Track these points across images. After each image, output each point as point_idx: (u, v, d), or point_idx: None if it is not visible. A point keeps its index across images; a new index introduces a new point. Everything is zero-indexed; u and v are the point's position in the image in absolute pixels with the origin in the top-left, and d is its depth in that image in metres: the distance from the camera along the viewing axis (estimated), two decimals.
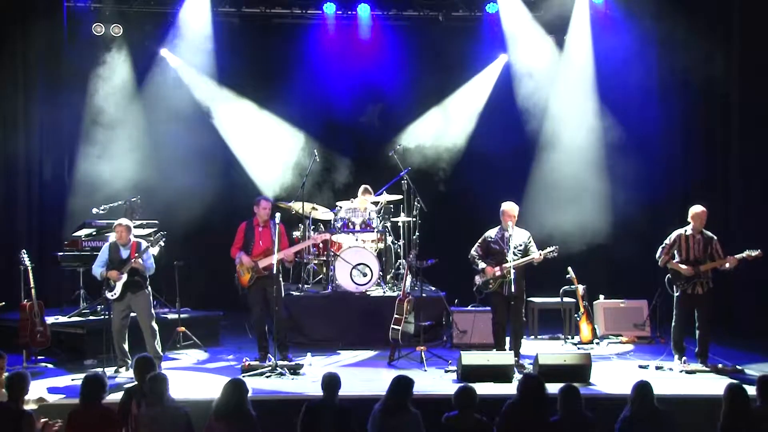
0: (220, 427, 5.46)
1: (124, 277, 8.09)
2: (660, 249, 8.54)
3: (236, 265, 8.65)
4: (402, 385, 5.73)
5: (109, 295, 8.14)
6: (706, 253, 8.34)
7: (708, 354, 8.34)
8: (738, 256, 8.20)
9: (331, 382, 5.85)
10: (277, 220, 8.60)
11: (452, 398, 5.67)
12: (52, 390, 7.31)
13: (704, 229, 8.43)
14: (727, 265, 8.24)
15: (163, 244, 8.50)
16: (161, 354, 8.26)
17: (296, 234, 10.45)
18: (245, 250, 8.61)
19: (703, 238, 8.38)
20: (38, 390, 7.01)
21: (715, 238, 8.42)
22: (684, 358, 8.43)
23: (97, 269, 8.23)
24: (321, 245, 10.40)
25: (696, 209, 8.47)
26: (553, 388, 5.74)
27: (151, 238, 8.50)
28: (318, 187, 11.74)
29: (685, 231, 8.45)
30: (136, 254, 8.13)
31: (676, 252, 8.45)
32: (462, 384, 5.87)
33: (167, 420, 5.52)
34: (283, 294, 8.90)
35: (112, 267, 8.15)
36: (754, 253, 8.15)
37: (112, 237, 9.79)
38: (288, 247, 8.74)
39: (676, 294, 8.43)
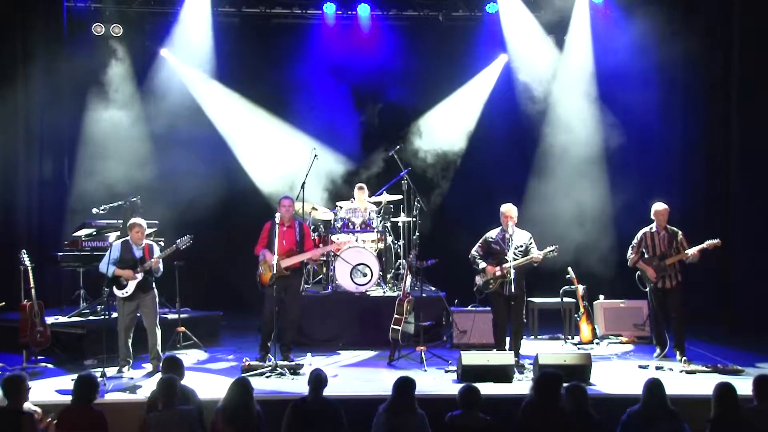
0: (226, 427, 5.46)
1: (140, 276, 8.14)
2: (630, 249, 8.95)
3: (259, 263, 8.61)
4: (406, 385, 5.72)
5: (120, 293, 8.15)
6: (671, 247, 8.74)
7: (684, 345, 8.64)
8: (699, 246, 8.60)
9: (316, 379, 5.85)
10: (277, 219, 8.57)
11: (456, 397, 5.67)
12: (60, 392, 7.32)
13: (668, 225, 8.83)
14: (689, 256, 8.61)
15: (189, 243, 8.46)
16: (161, 354, 8.26)
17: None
18: (269, 249, 8.56)
19: (667, 234, 8.80)
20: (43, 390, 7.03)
21: (680, 232, 8.82)
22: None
23: (109, 267, 8.18)
24: (321, 246, 10.40)
25: (657, 207, 8.87)
26: None
27: (178, 240, 8.47)
28: (317, 187, 11.72)
29: (651, 228, 8.88)
30: (153, 257, 8.18)
31: (644, 249, 8.84)
32: (466, 383, 5.86)
33: (175, 421, 5.52)
34: (301, 294, 8.91)
35: (124, 266, 8.18)
36: (714, 241, 8.57)
37: (112, 237, 9.85)
38: (312, 247, 8.82)
39: (647, 290, 8.84)
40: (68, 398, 5.77)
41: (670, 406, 5.61)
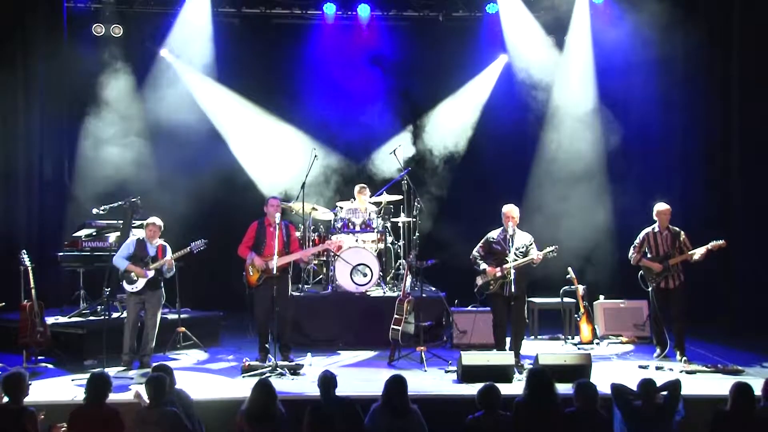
0: (249, 427, 5.49)
1: (150, 274, 8.34)
2: (631, 248, 8.98)
3: (247, 264, 8.62)
4: (401, 384, 5.71)
5: (129, 287, 8.40)
6: (674, 247, 8.75)
7: (685, 345, 8.67)
8: (704, 247, 8.60)
9: (325, 381, 5.86)
10: (278, 219, 8.57)
11: (476, 398, 5.65)
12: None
13: (670, 225, 8.85)
14: (696, 257, 8.62)
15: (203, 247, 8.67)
16: (152, 351, 8.44)
17: (296, 234, 10.43)
18: (256, 249, 8.57)
19: (670, 234, 8.82)
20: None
21: (683, 232, 8.84)
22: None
23: (122, 261, 8.43)
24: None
25: (660, 207, 8.89)
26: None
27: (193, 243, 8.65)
28: (318, 188, 11.73)
29: (653, 228, 8.90)
30: (165, 256, 8.41)
31: (646, 249, 8.87)
32: (487, 383, 5.80)
33: (153, 419, 5.54)
34: (290, 294, 8.92)
35: (136, 262, 8.39)
36: (719, 242, 8.57)
37: (112, 238, 9.86)
38: (298, 247, 8.84)
39: (649, 289, 8.86)
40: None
41: (660, 403, 5.64)
